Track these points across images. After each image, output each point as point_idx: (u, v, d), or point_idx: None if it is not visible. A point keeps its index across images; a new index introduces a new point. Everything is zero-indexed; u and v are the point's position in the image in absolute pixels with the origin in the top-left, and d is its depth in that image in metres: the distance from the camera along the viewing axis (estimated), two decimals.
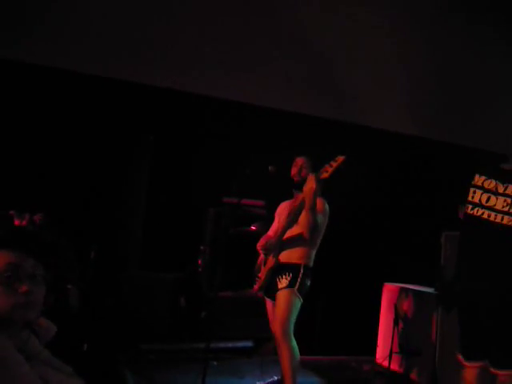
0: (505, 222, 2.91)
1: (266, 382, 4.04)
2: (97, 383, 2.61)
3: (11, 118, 4.53)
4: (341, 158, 3.21)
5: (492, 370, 2.90)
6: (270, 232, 3.88)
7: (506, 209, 2.92)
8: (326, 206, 3.63)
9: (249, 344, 5.06)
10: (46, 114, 4.69)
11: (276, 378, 3.65)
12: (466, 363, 2.99)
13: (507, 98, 5.93)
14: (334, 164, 3.21)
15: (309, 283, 3.62)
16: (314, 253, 3.65)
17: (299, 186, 3.61)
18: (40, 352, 1.80)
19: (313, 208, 3.40)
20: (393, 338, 4.58)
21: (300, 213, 3.52)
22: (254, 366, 4.55)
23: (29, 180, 4.51)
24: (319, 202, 3.53)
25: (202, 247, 5.12)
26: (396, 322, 4.64)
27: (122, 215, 5.10)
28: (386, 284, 5.12)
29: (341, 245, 5.37)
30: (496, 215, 2.94)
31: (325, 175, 3.23)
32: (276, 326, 3.48)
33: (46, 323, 2.03)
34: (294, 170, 3.71)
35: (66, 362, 2.42)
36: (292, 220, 3.54)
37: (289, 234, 3.58)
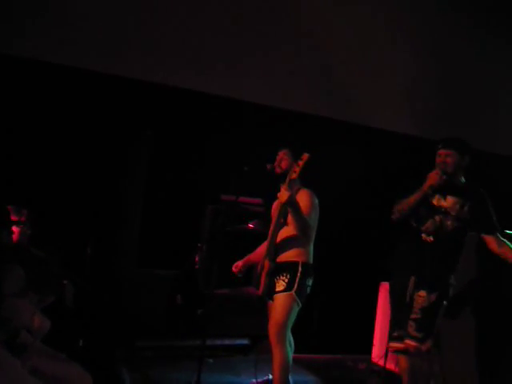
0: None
1: (261, 379, 4.03)
2: (93, 379, 2.61)
3: (10, 114, 4.52)
4: (306, 156, 3.21)
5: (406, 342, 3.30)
6: (260, 248, 3.86)
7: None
8: (315, 200, 3.56)
9: (245, 342, 5.07)
10: (45, 109, 4.67)
11: (271, 376, 3.64)
12: (393, 344, 3.42)
13: (509, 98, 5.96)
14: (301, 163, 3.22)
15: (310, 282, 3.56)
16: (311, 248, 3.60)
17: (281, 178, 3.56)
18: (32, 342, 1.81)
19: (297, 214, 3.35)
20: (389, 337, 4.57)
21: (287, 213, 3.45)
22: (250, 363, 4.54)
23: (27, 175, 4.50)
24: (306, 197, 3.49)
25: (199, 244, 5.11)
26: None
27: (120, 211, 5.08)
28: (382, 283, 5.12)
29: (337, 243, 5.38)
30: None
31: (293, 176, 3.24)
32: (271, 330, 3.44)
33: (39, 320, 2.03)
34: (275, 163, 3.66)
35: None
36: (281, 222, 3.47)
37: (282, 235, 3.52)
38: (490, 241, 3.35)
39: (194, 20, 4.80)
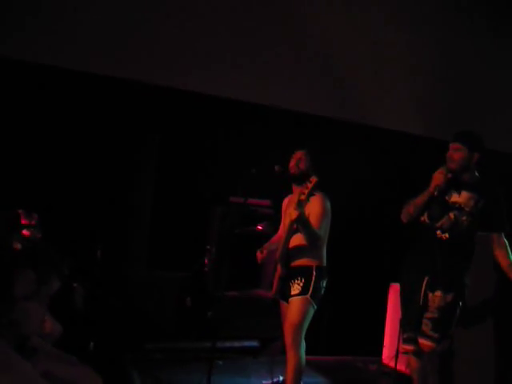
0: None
1: (271, 381, 4.04)
2: (103, 382, 2.62)
3: (20, 119, 4.55)
4: (314, 179, 3.18)
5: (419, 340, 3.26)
6: (280, 230, 3.86)
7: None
8: (327, 206, 3.54)
9: (255, 344, 5.06)
10: (54, 114, 4.70)
11: (282, 378, 3.64)
12: (404, 346, 3.38)
13: None
14: (309, 185, 3.17)
15: (324, 284, 3.56)
16: (324, 251, 3.60)
17: (296, 178, 3.58)
18: (43, 346, 1.82)
19: (307, 230, 3.35)
20: (399, 339, 4.56)
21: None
22: (260, 365, 4.55)
23: (36, 180, 4.53)
24: (318, 203, 3.46)
25: (208, 247, 5.12)
26: None
27: (129, 214, 5.10)
28: (392, 284, 5.10)
29: (347, 245, 5.36)
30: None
31: (302, 198, 3.19)
32: (287, 333, 3.45)
33: (51, 325, 2.05)
34: (291, 163, 3.65)
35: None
36: (294, 229, 3.43)
37: (294, 241, 3.50)
38: (493, 239, 3.32)
39: (201, 22, 4.81)
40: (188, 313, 5.01)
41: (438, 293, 3.25)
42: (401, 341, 3.47)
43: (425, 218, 3.38)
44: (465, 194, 3.29)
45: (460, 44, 5.67)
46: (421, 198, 3.30)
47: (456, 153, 3.27)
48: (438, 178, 3.23)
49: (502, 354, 3.86)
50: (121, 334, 4.59)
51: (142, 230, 5.16)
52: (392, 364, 4.82)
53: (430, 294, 3.27)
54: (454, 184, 3.30)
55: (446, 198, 3.30)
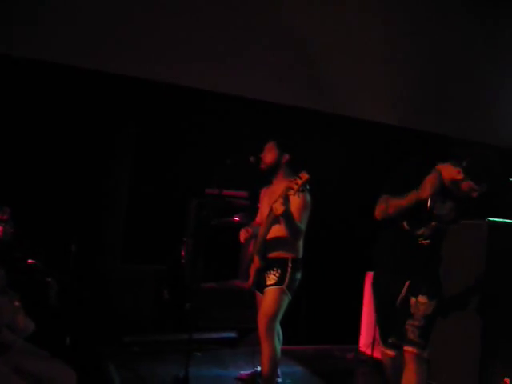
0: None
1: (249, 372, 4.05)
2: (80, 377, 2.60)
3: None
4: (305, 176, 3.08)
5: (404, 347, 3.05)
6: (257, 218, 3.85)
7: None
8: (308, 199, 3.53)
9: (232, 335, 5.08)
10: (28, 105, 4.63)
11: (259, 368, 3.66)
12: (387, 351, 3.18)
13: (491, 88, 5.98)
14: (300, 182, 3.08)
15: (299, 275, 3.58)
16: (301, 243, 3.61)
17: (266, 172, 3.59)
18: (14, 341, 1.79)
19: (291, 225, 3.33)
20: (375, 327, 4.61)
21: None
22: (238, 356, 4.57)
23: (8, 173, 4.45)
24: (300, 198, 3.40)
25: (184, 239, 5.10)
26: None
27: (104, 207, 5.06)
28: (368, 273, 5.15)
29: (323, 234, 5.39)
30: None
31: (291, 193, 3.11)
32: (260, 323, 3.45)
33: (23, 320, 2.01)
34: (264, 156, 3.65)
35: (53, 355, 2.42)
36: (273, 221, 3.41)
37: (272, 233, 3.49)
38: None
39: (176, 14, 4.76)
40: (166, 305, 5.00)
41: (423, 299, 3.05)
42: (379, 343, 3.32)
43: (404, 223, 3.10)
44: (449, 205, 3.03)
45: (435, 33, 5.69)
46: (405, 202, 2.95)
47: (472, 192, 2.93)
48: (433, 184, 2.89)
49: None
50: (98, 328, 4.56)
51: (118, 223, 5.12)
52: (369, 352, 4.89)
53: (413, 299, 3.07)
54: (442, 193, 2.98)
55: (431, 207, 2.98)
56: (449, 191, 2.97)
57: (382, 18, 5.49)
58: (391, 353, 3.16)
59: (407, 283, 3.07)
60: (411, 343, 3.04)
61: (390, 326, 3.16)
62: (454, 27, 5.76)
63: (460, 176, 2.87)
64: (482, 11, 5.88)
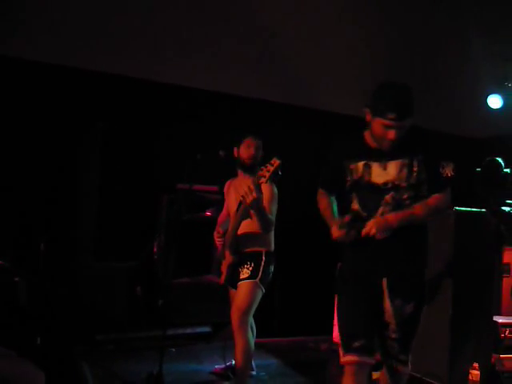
0: None
1: (223, 366, 4.06)
2: (53, 377, 2.57)
3: None
4: (277, 162, 3.00)
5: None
6: (224, 211, 3.85)
7: None
8: (275, 190, 3.54)
9: (207, 329, 5.08)
10: None
11: (234, 362, 3.67)
12: (352, 356, 2.57)
13: (455, 79, 6.04)
14: (271, 168, 3.00)
15: (272, 269, 3.60)
16: (272, 236, 3.62)
17: (251, 168, 3.57)
18: None
19: (262, 216, 3.30)
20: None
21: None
22: (213, 351, 4.57)
23: None
24: (268, 189, 3.43)
25: (156, 235, 5.07)
26: None
27: (74, 204, 5.00)
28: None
29: (295, 225, 5.42)
30: None
31: (262, 181, 3.03)
32: (234, 316, 3.45)
33: None
34: (249, 152, 3.60)
35: (21, 356, 2.39)
36: (243, 215, 3.40)
37: (244, 228, 3.49)
38: (439, 198, 2.60)
39: (148, 9, 4.71)
40: (139, 302, 4.97)
41: (398, 302, 2.59)
42: (341, 348, 2.68)
43: (357, 206, 2.66)
44: (392, 165, 2.55)
45: (400, 21, 5.69)
46: (325, 218, 2.82)
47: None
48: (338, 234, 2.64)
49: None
50: (70, 326, 4.52)
51: (89, 221, 5.06)
52: None
53: (388, 303, 2.61)
54: (375, 156, 2.58)
55: (371, 179, 2.58)
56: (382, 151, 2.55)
57: (352, 7, 5.45)
58: (355, 358, 2.54)
59: (384, 282, 2.62)
60: (396, 361, 2.66)
61: (359, 326, 2.59)
62: (418, 16, 5.75)
63: (388, 122, 2.45)
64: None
